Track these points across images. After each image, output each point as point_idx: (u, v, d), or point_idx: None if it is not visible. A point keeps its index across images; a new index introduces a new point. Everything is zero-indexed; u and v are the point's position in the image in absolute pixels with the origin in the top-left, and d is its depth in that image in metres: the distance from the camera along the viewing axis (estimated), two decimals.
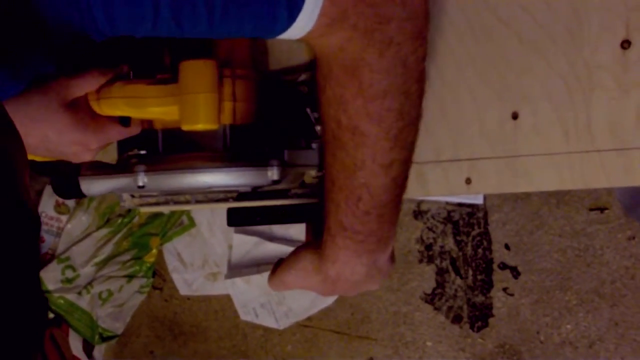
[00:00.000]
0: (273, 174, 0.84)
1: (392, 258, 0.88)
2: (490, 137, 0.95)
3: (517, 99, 0.94)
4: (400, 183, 0.77)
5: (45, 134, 0.82)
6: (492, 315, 1.96)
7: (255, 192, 0.94)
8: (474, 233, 1.95)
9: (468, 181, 0.96)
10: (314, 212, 0.93)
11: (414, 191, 0.98)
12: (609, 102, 0.91)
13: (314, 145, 0.91)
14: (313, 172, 0.93)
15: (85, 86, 0.84)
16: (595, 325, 1.88)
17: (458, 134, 0.96)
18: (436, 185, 0.98)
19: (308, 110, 0.86)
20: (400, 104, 0.72)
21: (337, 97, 0.73)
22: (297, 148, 0.91)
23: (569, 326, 1.90)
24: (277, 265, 0.90)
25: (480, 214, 1.94)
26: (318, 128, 0.86)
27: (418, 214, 2.00)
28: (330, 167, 0.78)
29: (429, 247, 2.00)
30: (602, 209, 1.84)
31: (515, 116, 0.94)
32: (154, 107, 0.85)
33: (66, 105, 0.82)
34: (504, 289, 1.94)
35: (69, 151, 0.86)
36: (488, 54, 0.94)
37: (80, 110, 0.84)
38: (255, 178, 0.85)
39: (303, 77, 0.97)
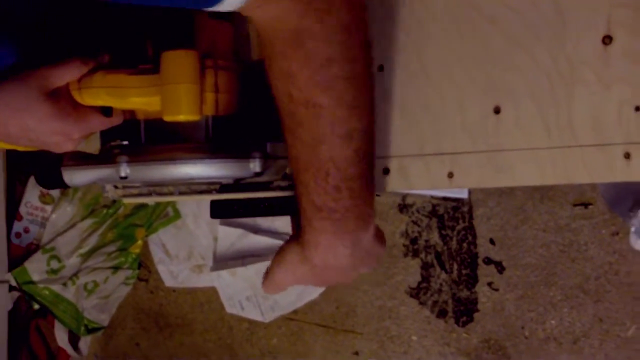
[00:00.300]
0: (255, 165, 0.85)
1: (381, 239, 0.87)
2: (472, 132, 0.95)
3: (499, 94, 0.94)
4: (363, 155, 0.76)
5: (26, 123, 0.82)
6: (477, 310, 1.97)
7: (237, 184, 0.94)
8: (459, 227, 1.95)
9: (450, 175, 0.96)
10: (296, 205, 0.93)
11: (396, 184, 0.98)
12: (590, 97, 0.91)
13: None
14: None
15: (66, 76, 0.84)
16: (579, 321, 1.89)
17: (440, 128, 0.96)
18: (418, 178, 0.98)
19: None
20: (347, 71, 0.72)
21: (284, 71, 0.72)
22: (279, 140, 0.89)
23: (553, 322, 1.91)
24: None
25: (465, 208, 1.94)
26: None
27: (403, 207, 2.00)
28: (292, 148, 0.77)
29: (414, 241, 2.00)
30: (586, 205, 1.84)
31: (497, 111, 0.94)
32: (136, 97, 0.84)
33: (47, 94, 0.82)
34: (489, 284, 1.95)
35: (51, 141, 0.86)
36: (472, 50, 0.95)
37: (61, 100, 0.84)
38: (237, 170, 0.85)
39: None
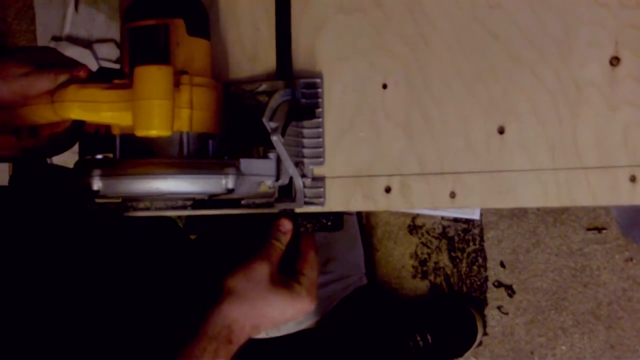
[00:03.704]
0: (228, 182, 0.85)
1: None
2: (475, 151, 0.94)
3: (504, 114, 0.93)
4: None
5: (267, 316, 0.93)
6: (486, 334, 1.93)
7: (211, 201, 0.95)
8: (469, 250, 1.93)
9: (452, 195, 0.95)
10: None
11: (397, 203, 0.97)
12: (595, 118, 0.90)
13: (270, 155, 0.91)
14: (269, 182, 0.93)
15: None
16: (590, 347, 1.85)
17: (443, 147, 0.96)
18: (420, 197, 0.97)
19: (264, 119, 0.86)
20: None
21: None
22: (253, 157, 0.91)
23: (563, 347, 1.87)
24: None
25: (476, 231, 1.91)
26: (274, 138, 0.86)
27: (413, 228, 1.97)
28: None
29: (423, 263, 1.97)
30: (600, 229, 1.81)
31: (501, 131, 0.93)
32: (108, 111, 0.85)
33: (272, 281, 0.92)
34: (499, 308, 1.92)
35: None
36: (476, 68, 0.94)
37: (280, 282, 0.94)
38: (209, 186, 0.85)
39: (263, 87, 0.97)
